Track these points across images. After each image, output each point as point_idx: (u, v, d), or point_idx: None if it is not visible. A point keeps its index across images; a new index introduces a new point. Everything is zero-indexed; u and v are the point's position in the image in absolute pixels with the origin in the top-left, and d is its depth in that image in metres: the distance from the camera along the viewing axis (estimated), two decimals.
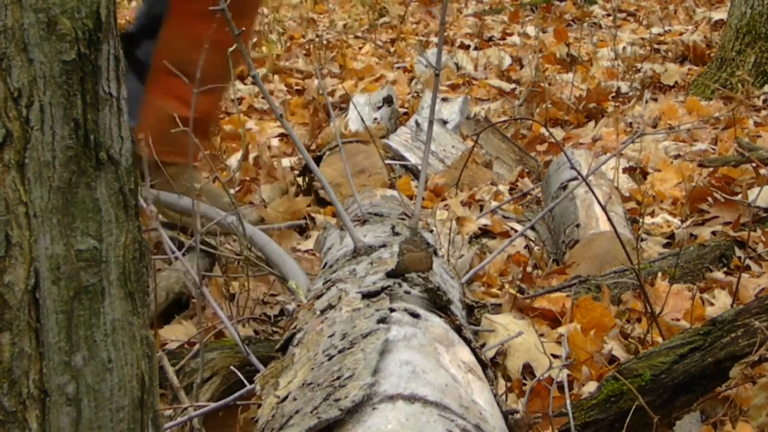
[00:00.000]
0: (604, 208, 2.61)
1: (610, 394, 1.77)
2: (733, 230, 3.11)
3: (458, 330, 1.54)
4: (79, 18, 0.92)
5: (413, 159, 4.01)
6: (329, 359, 1.36)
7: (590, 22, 7.32)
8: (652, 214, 3.43)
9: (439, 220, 3.09)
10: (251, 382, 1.69)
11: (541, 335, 2.25)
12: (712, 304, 2.59)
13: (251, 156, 4.18)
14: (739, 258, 2.80)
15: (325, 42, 6.91)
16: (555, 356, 2.09)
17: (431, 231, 2.53)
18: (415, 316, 1.49)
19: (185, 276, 2.40)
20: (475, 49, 6.60)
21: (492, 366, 1.61)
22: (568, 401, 1.77)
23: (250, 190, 3.74)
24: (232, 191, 3.46)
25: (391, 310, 1.49)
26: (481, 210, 3.56)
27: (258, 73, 1.99)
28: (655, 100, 5.23)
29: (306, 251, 3.16)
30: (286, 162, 4.06)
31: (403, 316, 1.47)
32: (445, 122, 4.40)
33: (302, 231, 3.43)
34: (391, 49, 6.90)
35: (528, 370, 2.20)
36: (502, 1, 8.20)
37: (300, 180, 3.81)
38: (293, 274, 2.52)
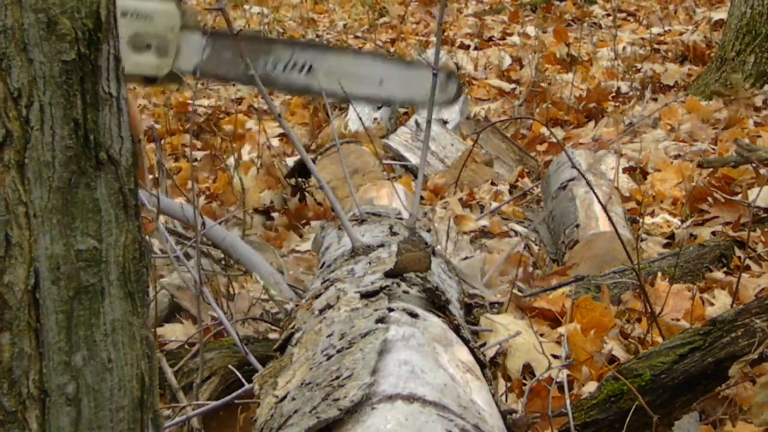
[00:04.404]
0: (604, 208, 2.61)
1: (610, 394, 1.77)
2: (733, 230, 3.11)
3: (457, 330, 1.54)
4: (79, 18, 0.92)
5: (413, 159, 4.01)
6: (328, 359, 1.36)
7: (590, 22, 7.32)
8: (652, 214, 3.43)
9: (439, 217, 3.09)
10: (250, 381, 1.69)
11: (541, 335, 2.25)
12: (712, 304, 2.59)
13: (251, 156, 4.19)
14: (739, 258, 2.80)
15: (325, 42, 6.91)
16: (555, 356, 2.09)
17: (429, 230, 2.53)
18: (414, 315, 1.49)
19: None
20: (475, 49, 6.59)
21: (491, 366, 1.61)
22: (567, 401, 1.77)
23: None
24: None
25: (390, 309, 1.49)
26: (481, 210, 3.56)
27: (256, 72, 1.99)
28: (655, 100, 5.23)
29: (305, 251, 3.16)
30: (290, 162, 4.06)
31: (402, 316, 1.47)
32: (445, 122, 4.41)
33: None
34: (391, 49, 6.89)
35: (528, 370, 2.19)
36: (502, 1, 8.20)
37: (292, 181, 3.82)
38: (257, 267, 2.53)
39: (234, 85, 2.92)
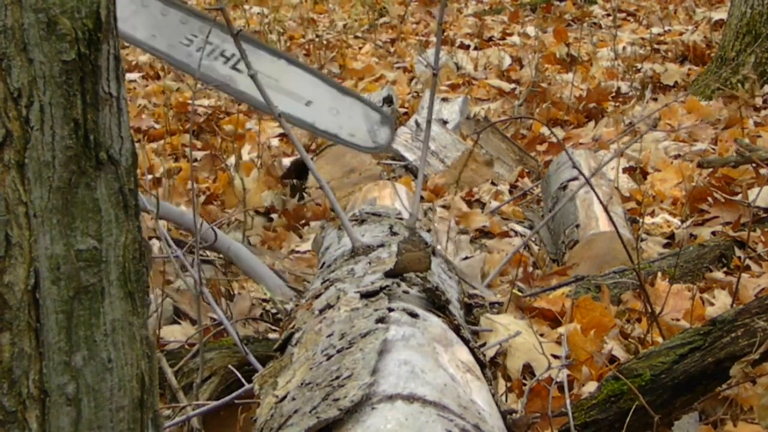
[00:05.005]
0: (605, 208, 2.61)
1: (610, 394, 1.77)
2: (733, 230, 3.11)
3: (457, 330, 1.54)
4: (79, 18, 0.92)
5: (413, 159, 4.01)
6: (328, 359, 1.36)
7: (590, 22, 7.32)
8: (652, 214, 3.43)
9: (439, 217, 3.09)
10: (250, 381, 1.69)
11: (541, 335, 2.25)
12: (712, 304, 2.59)
13: (251, 156, 4.19)
14: (739, 258, 2.80)
15: (325, 42, 6.91)
16: (555, 356, 2.09)
17: (429, 230, 2.53)
18: (414, 315, 1.49)
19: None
20: (475, 49, 6.59)
21: (491, 366, 1.61)
22: (567, 401, 1.77)
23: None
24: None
25: (390, 309, 1.49)
26: (482, 209, 3.56)
27: (257, 72, 1.99)
28: (655, 100, 5.23)
29: (304, 252, 3.16)
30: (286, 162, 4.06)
31: (402, 316, 1.47)
32: (445, 122, 4.41)
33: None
34: (391, 49, 6.90)
35: (528, 370, 2.20)
36: (502, 1, 8.20)
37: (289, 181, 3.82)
38: (263, 278, 2.50)
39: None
